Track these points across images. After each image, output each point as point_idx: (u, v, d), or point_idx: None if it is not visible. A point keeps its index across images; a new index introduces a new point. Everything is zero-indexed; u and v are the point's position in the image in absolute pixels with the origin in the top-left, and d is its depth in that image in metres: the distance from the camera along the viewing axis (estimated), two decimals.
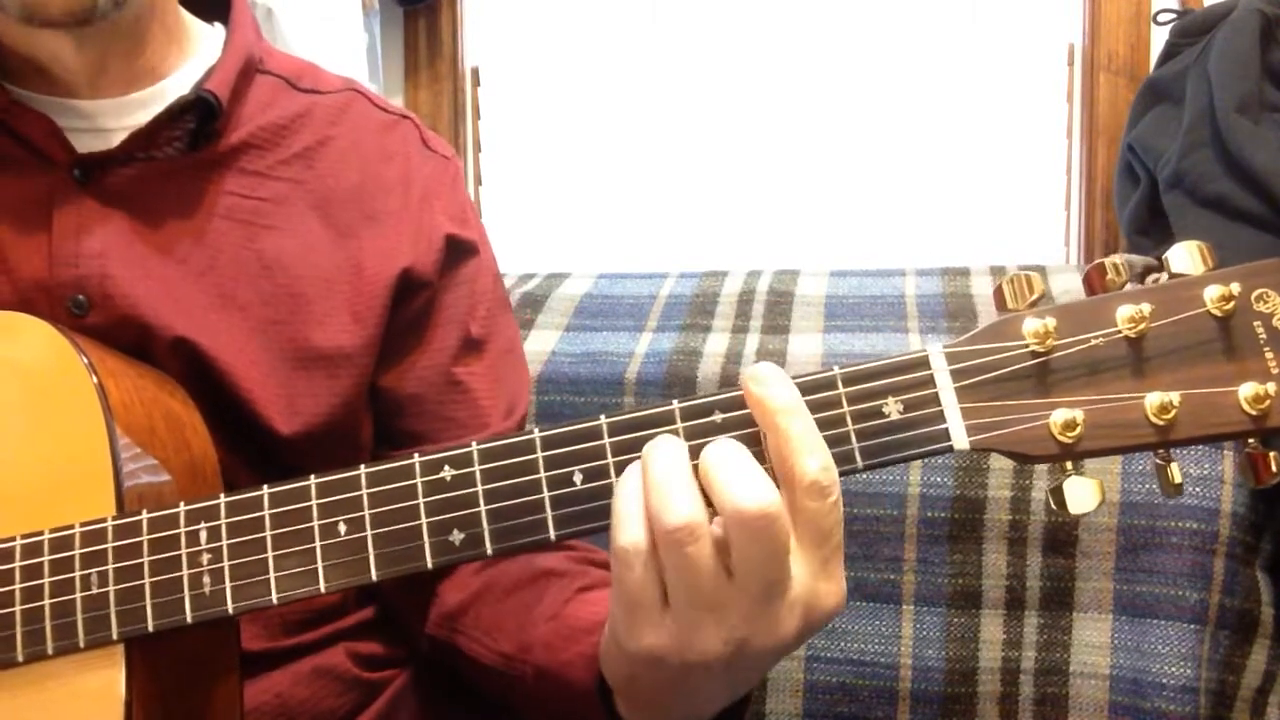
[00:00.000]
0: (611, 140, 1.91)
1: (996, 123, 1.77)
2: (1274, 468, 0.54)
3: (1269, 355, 0.52)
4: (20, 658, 0.61)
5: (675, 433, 0.54)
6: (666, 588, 0.51)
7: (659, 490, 0.50)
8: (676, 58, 1.88)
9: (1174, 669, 0.98)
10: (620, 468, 0.54)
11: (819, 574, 0.51)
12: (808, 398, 0.53)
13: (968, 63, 1.77)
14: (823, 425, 0.52)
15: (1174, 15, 1.47)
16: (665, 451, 0.52)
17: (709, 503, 0.51)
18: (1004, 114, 1.76)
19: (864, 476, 1.04)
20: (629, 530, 0.51)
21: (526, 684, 0.72)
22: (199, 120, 0.79)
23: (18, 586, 0.61)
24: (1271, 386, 0.52)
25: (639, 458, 0.53)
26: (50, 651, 0.60)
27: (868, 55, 1.81)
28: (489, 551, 0.56)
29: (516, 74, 1.96)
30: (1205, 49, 1.32)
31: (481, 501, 0.56)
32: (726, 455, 0.51)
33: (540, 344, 1.21)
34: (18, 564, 0.62)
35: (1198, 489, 1.00)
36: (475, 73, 1.97)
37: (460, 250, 0.89)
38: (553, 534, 0.55)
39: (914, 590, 1.04)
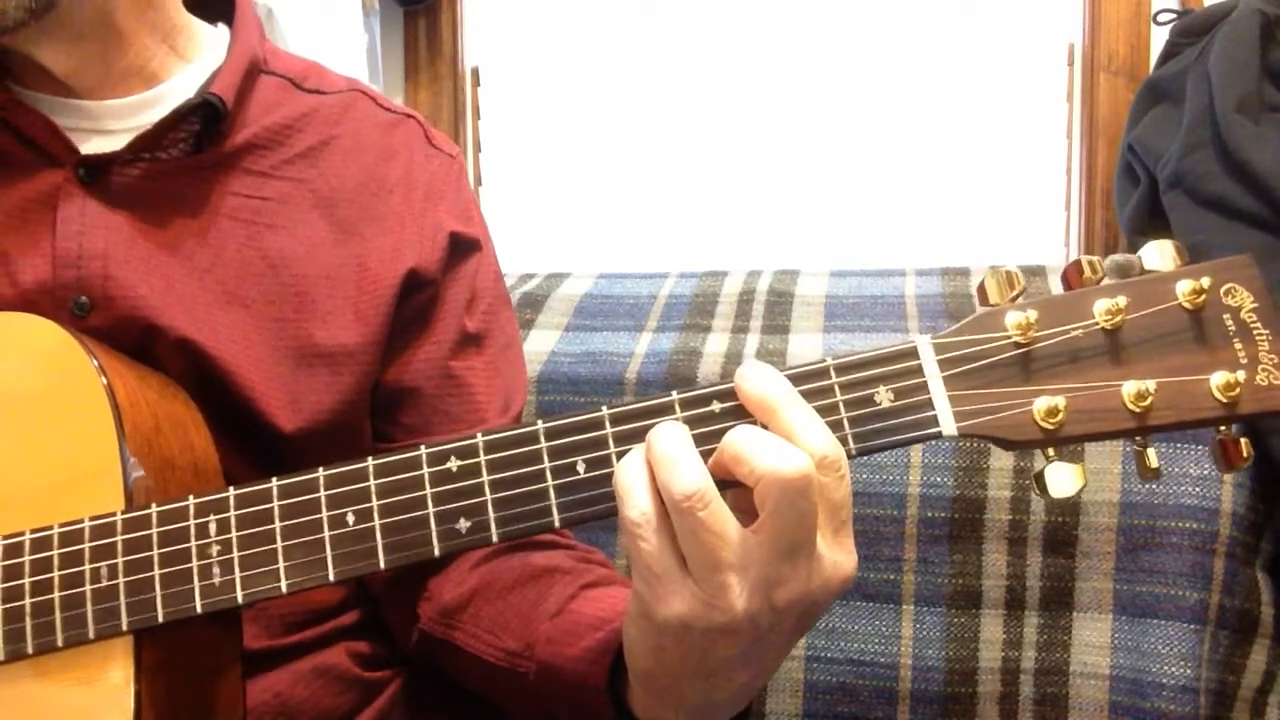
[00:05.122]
0: (611, 140, 1.91)
1: (996, 123, 1.76)
2: (1244, 453, 0.56)
3: (1238, 346, 0.55)
4: (30, 649, 0.61)
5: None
6: (685, 556, 0.52)
7: (666, 463, 0.51)
8: (676, 57, 1.88)
9: (1174, 669, 0.98)
10: (622, 456, 0.55)
11: (832, 544, 0.53)
12: (802, 387, 0.55)
13: (968, 63, 1.77)
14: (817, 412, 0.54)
15: (1174, 15, 1.47)
16: (669, 429, 0.53)
17: (724, 485, 0.52)
18: (1004, 114, 1.76)
19: (864, 477, 1.05)
20: (636, 502, 0.52)
21: (529, 681, 0.72)
22: (204, 122, 0.80)
23: (27, 580, 0.62)
24: (1241, 374, 0.54)
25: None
26: (60, 643, 0.61)
27: (867, 55, 1.81)
28: (494, 539, 0.57)
29: (516, 74, 1.96)
30: (1205, 49, 1.32)
31: (487, 491, 0.57)
32: (753, 431, 0.53)
33: (540, 344, 1.21)
34: (27, 558, 0.62)
35: (1198, 489, 1.00)
36: (475, 73, 1.97)
37: (463, 246, 0.89)
38: (557, 521, 0.57)
39: (914, 590, 1.04)
